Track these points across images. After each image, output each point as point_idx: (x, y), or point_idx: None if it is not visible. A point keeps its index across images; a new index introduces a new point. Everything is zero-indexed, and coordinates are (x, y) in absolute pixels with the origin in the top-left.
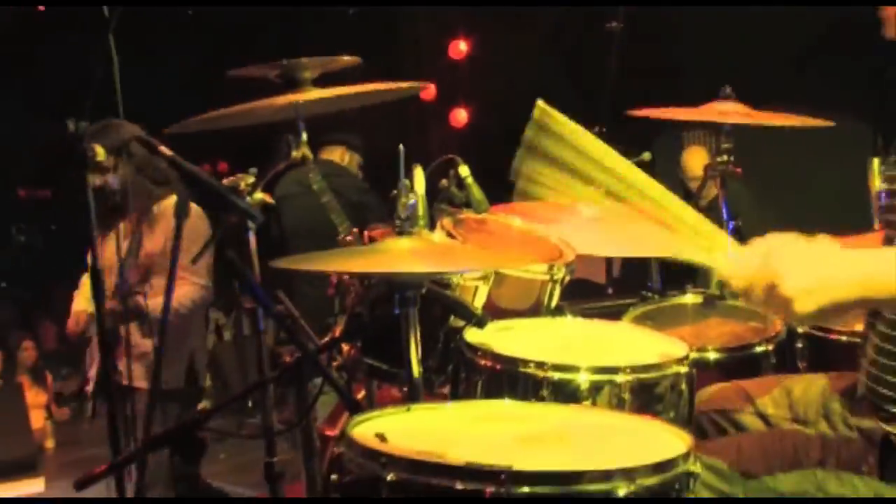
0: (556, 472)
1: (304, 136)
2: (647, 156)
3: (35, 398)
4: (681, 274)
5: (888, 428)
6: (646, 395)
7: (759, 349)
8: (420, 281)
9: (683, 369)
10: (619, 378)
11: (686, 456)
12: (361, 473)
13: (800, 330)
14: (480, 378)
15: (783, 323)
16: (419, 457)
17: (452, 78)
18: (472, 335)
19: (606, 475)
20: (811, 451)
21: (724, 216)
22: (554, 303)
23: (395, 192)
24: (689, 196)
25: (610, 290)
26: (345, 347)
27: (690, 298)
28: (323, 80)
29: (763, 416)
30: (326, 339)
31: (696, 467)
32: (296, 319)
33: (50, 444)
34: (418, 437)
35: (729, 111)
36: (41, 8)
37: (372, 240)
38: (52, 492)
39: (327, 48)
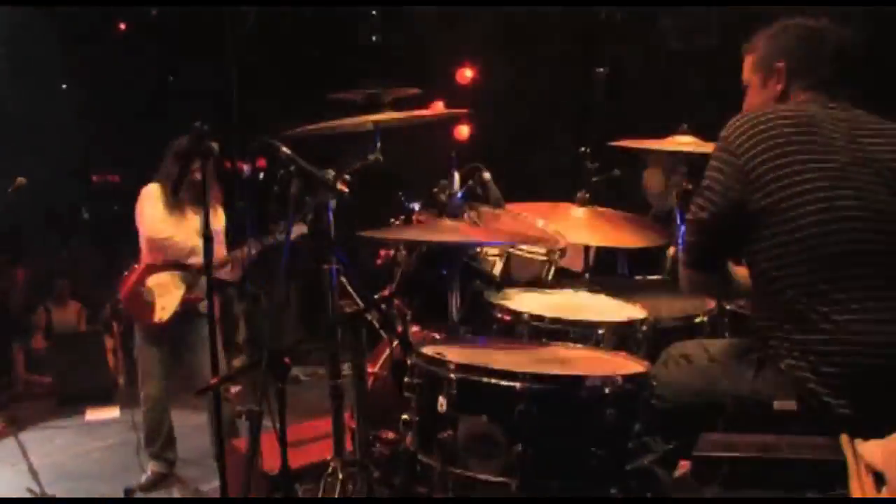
0: (562, 375)
1: (379, 144)
2: (616, 172)
3: (108, 342)
4: (642, 261)
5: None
6: (617, 343)
7: (697, 320)
8: (464, 249)
9: (643, 328)
10: (599, 330)
11: (645, 374)
12: (430, 374)
13: (727, 307)
14: (496, 327)
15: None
16: (471, 362)
17: (458, 98)
18: (491, 296)
19: (595, 379)
20: (716, 368)
21: (679, 221)
22: (550, 276)
23: (436, 189)
24: (648, 207)
25: (586, 276)
26: (395, 301)
27: (648, 281)
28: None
29: (714, 360)
30: (384, 294)
31: (653, 380)
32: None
33: (121, 380)
34: (465, 355)
35: (685, 142)
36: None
37: (419, 222)
38: (125, 417)
39: (354, 71)
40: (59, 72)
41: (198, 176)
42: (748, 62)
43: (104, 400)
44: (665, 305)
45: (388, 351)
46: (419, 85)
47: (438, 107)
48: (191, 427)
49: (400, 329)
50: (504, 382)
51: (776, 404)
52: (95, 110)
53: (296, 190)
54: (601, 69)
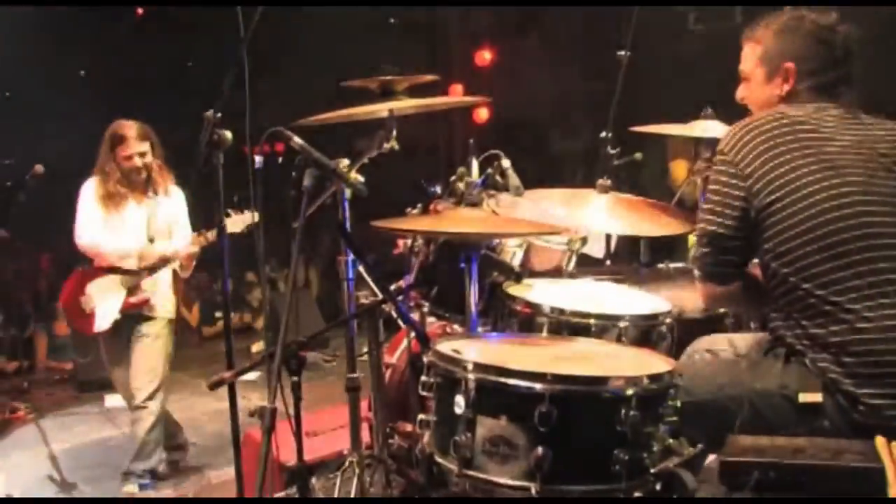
0: (584, 376)
1: (395, 132)
2: (638, 155)
3: None
4: (663, 249)
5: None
6: (640, 336)
7: (722, 310)
8: (483, 241)
9: (667, 320)
10: (621, 323)
11: (670, 373)
12: (447, 374)
13: None
14: (515, 321)
15: None
16: (489, 362)
17: (478, 80)
18: (511, 287)
19: (618, 380)
20: (742, 362)
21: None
22: (571, 266)
23: (454, 177)
24: (671, 194)
25: (608, 263)
26: (413, 292)
27: (672, 270)
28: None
29: (738, 353)
30: (401, 285)
31: (679, 380)
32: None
33: None
34: (483, 353)
35: (709, 127)
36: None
37: (436, 212)
38: None
39: (372, 53)
40: (76, 58)
41: (135, 162)
42: (751, 52)
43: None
44: (688, 296)
45: (406, 341)
46: (437, 68)
47: (457, 91)
48: (213, 412)
49: (417, 322)
50: (524, 383)
51: (801, 396)
52: (115, 96)
53: (309, 181)
54: (623, 52)
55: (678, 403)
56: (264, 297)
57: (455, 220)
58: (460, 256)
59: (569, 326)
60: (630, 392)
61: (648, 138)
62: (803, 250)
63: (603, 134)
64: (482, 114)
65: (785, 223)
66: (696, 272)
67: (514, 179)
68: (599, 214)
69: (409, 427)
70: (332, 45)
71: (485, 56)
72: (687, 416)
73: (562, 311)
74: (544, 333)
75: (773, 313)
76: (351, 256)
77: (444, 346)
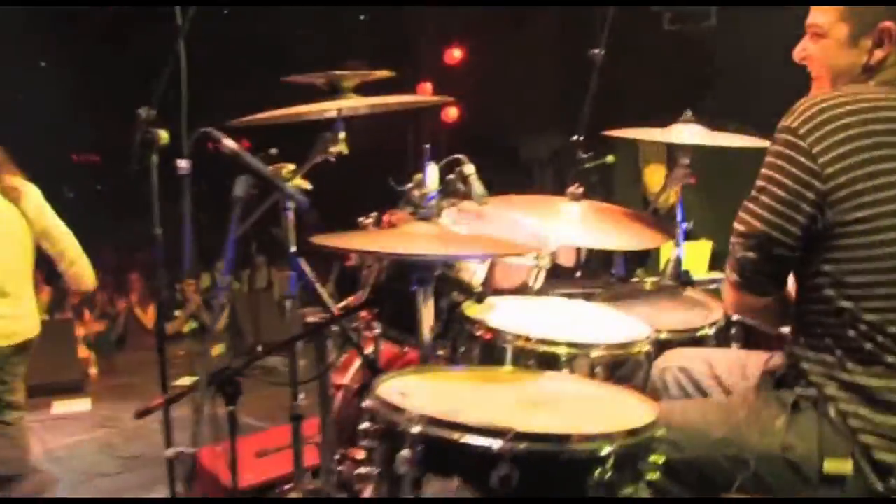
0: (551, 434)
1: (343, 135)
2: (611, 158)
3: (78, 332)
4: (637, 259)
5: (799, 392)
6: (614, 368)
7: (702, 332)
8: (437, 263)
9: (645, 348)
10: (594, 353)
11: (653, 424)
12: (389, 425)
13: (734, 318)
14: (476, 347)
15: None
16: (439, 415)
17: (447, 79)
18: (471, 309)
19: (592, 437)
20: (740, 410)
21: (679, 219)
22: (538, 285)
23: (410, 184)
24: (647, 204)
25: (578, 274)
26: (364, 313)
27: (648, 285)
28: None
29: (718, 380)
30: (350, 305)
31: (661, 432)
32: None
33: (93, 371)
34: (435, 396)
35: (689, 133)
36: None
37: (391, 224)
38: (97, 409)
39: (340, 50)
40: (38, 50)
41: None
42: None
43: (74, 392)
44: (665, 315)
45: (358, 361)
46: (407, 66)
47: (426, 90)
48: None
49: (365, 346)
50: (480, 441)
51: (827, 464)
52: (77, 89)
53: (241, 189)
54: (597, 50)
55: (661, 459)
56: (201, 304)
57: (405, 238)
58: (412, 280)
59: (535, 355)
60: (605, 452)
61: (621, 142)
62: (885, 290)
63: (575, 137)
64: (451, 114)
65: (866, 251)
66: (733, 276)
67: (477, 186)
68: (571, 225)
69: (359, 454)
70: (299, 41)
71: (455, 54)
72: (672, 472)
73: (527, 338)
74: (508, 364)
75: (800, 341)
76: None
77: (390, 387)
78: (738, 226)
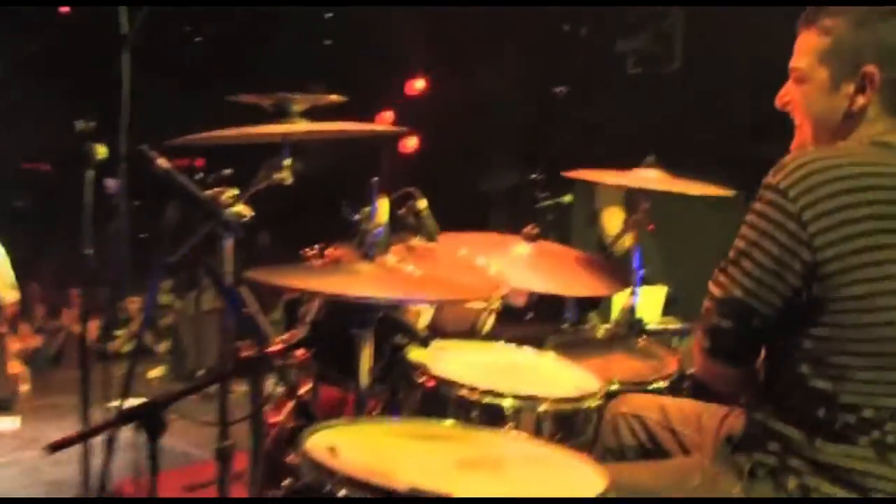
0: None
1: (288, 162)
2: (568, 198)
3: (12, 346)
4: (589, 303)
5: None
6: (562, 422)
7: (654, 386)
8: (379, 306)
9: (595, 403)
10: (541, 407)
11: (603, 497)
12: (314, 485)
13: (688, 371)
14: (417, 394)
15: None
16: (368, 478)
17: (406, 110)
18: (414, 353)
19: None
20: (694, 476)
21: (636, 265)
22: (487, 328)
23: (358, 217)
24: (603, 248)
25: (529, 316)
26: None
27: (600, 332)
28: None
29: (672, 430)
30: (285, 342)
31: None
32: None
33: (25, 388)
34: (367, 453)
35: (651, 178)
36: (65, 9)
37: (335, 259)
38: (25, 429)
39: (300, 76)
40: None
41: None
42: (811, 43)
43: (1, 410)
44: (618, 366)
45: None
46: (368, 93)
47: (385, 119)
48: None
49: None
50: None
51: None
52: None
53: (172, 214)
54: (560, 88)
55: None
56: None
57: (347, 277)
58: (351, 321)
59: (479, 407)
60: None
61: (581, 182)
62: (868, 374)
63: (534, 175)
64: (410, 144)
65: (854, 332)
66: (705, 342)
67: (429, 222)
68: (524, 266)
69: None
70: (263, 60)
71: (417, 85)
72: None
73: (472, 389)
74: (450, 415)
75: (766, 408)
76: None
77: (319, 441)
78: (715, 290)
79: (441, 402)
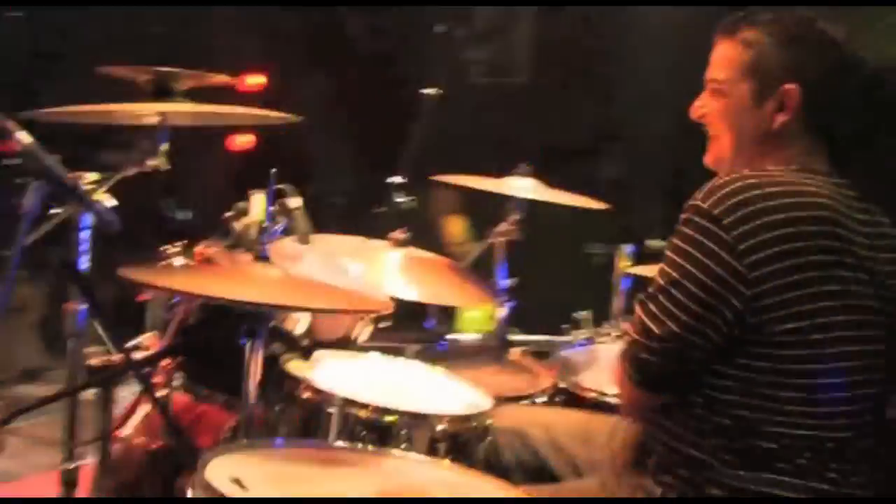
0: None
1: (165, 146)
2: (410, 204)
3: None
4: (447, 312)
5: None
6: (455, 441)
7: (531, 401)
8: (273, 314)
9: (488, 420)
10: (437, 426)
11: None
12: None
13: (561, 385)
14: (297, 409)
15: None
16: None
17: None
18: (293, 365)
19: None
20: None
21: (502, 276)
22: (363, 338)
23: (230, 213)
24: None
25: (388, 324)
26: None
27: (465, 343)
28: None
29: (557, 445)
30: (151, 350)
31: None
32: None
33: None
34: (278, 485)
35: (523, 186)
36: None
37: (207, 259)
38: None
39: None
40: None
41: None
42: (732, 54)
43: None
44: (490, 380)
45: (142, 409)
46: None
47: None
48: None
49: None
50: None
51: None
52: None
53: (33, 198)
54: (430, 91)
55: None
56: None
57: (241, 281)
58: (241, 329)
59: (367, 425)
60: None
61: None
62: (795, 407)
63: (392, 179)
64: (241, 141)
65: (789, 365)
66: (635, 376)
67: (302, 223)
68: (393, 274)
69: None
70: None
71: (250, 81)
72: None
73: (364, 406)
74: (333, 431)
75: (678, 432)
76: (83, 305)
77: (220, 472)
78: (647, 321)
79: (324, 418)
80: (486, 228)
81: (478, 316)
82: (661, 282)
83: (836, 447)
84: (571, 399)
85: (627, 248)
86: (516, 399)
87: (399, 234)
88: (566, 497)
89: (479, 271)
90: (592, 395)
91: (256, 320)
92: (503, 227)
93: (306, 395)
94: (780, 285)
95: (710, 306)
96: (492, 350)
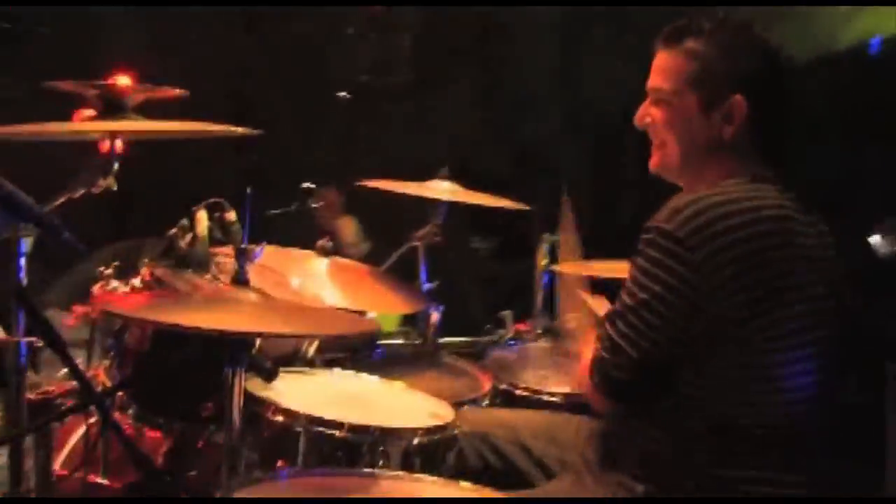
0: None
1: (117, 166)
2: (294, 206)
3: None
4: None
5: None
6: (430, 455)
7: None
8: (253, 341)
9: (456, 430)
10: (413, 439)
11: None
12: None
13: (502, 387)
14: (268, 431)
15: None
16: None
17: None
18: (254, 387)
19: None
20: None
21: (423, 279)
22: (311, 352)
23: (175, 230)
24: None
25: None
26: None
27: (408, 349)
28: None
29: (523, 446)
30: (95, 376)
31: None
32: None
33: None
34: None
35: (444, 190)
36: None
37: (157, 280)
38: None
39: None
40: None
41: None
42: (674, 63)
43: None
44: (431, 385)
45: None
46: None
47: (86, 115)
48: None
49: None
50: None
51: None
52: None
53: None
54: (343, 93)
55: None
56: None
57: (222, 307)
58: (224, 359)
59: (334, 443)
60: None
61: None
62: (771, 409)
63: (305, 185)
64: (108, 145)
65: (756, 371)
66: (604, 388)
67: (238, 236)
68: (323, 283)
69: None
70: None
71: (120, 81)
72: None
73: (338, 424)
74: (301, 451)
75: (652, 433)
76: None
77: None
78: (618, 341)
79: (291, 440)
80: (406, 232)
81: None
82: (629, 301)
83: (805, 433)
84: (510, 399)
85: (545, 246)
86: (461, 404)
87: (324, 243)
88: (568, 497)
89: (398, 276)
90: (530, 394)
91: (240, 348)
92: (423, 231)
93: (272, 416)
94: (745, 299)
95: (678, 326)
96: (427, 355)
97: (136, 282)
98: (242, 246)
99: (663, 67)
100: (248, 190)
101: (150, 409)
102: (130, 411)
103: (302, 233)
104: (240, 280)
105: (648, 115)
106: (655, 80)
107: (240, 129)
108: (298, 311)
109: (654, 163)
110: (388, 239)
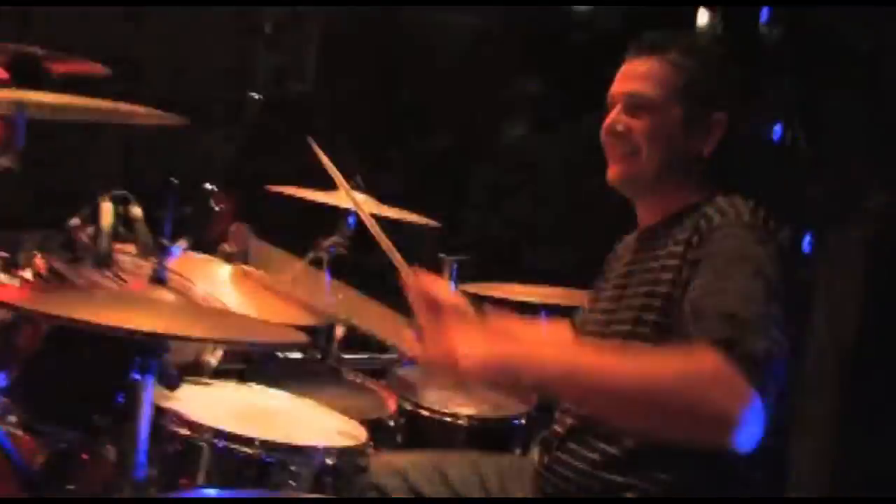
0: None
1: (21, 144)
2: (187, 209)
3: None
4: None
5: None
6: (343, 476)
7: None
8: (169, 345)
9: (370, 451)
10: (328, 461)
11: None
12: None
13: (407, 407)
14: (175, 447)
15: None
16: None
17: None
18: (160, 397)
19: None
20: None
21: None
22: (216, 362)
23: (73, 222)
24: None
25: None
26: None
27: (306, 364)
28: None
29: (451, 487)
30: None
31: None
32: None
33: None
34: None
35: (359, 201)
36: None
37: (56, 275)
38: None
39: None
40: None
41: None
42: (658, 72)
43: None
44: (335, 403)
45: None
46: None
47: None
48: None
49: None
50: None
51: None
52: None
53: None
54: (255, 94)
55: None
56: None
57: (139, 307)
58: (133, 364)
59: (241, 460)
60: None
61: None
62: None
63: (208, 186)
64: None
65: None
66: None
67: (143, 233)
68: (226, 292)
69: None
70: None
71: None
72: None
73: (249, 442)
74: (203, 467)
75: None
76: None
77: None
78: (770, 346)
79: (194, 456)
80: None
81: None
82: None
83: None
84: (414, 419)
85: (452, 262)
86: (369, 423)
87: (228, 248)
88: (571, 497)
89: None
90: (434, 414)
91: (152, 353)
92: (329, 240)
93: (175, 428)
94: None
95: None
96: (328, 370)
97: (27, 274)
98: (163, 241)
99: (647, 75)
100: (173, 180)
101: (40, 417)
102: (12, 418)
103: (195, 234)
104: (158, 278)
105: (621, 122)
106: (635, 86)
107: (168, 117)
108: (222, 317)
109: (619, 172)
110: (296, 249)
